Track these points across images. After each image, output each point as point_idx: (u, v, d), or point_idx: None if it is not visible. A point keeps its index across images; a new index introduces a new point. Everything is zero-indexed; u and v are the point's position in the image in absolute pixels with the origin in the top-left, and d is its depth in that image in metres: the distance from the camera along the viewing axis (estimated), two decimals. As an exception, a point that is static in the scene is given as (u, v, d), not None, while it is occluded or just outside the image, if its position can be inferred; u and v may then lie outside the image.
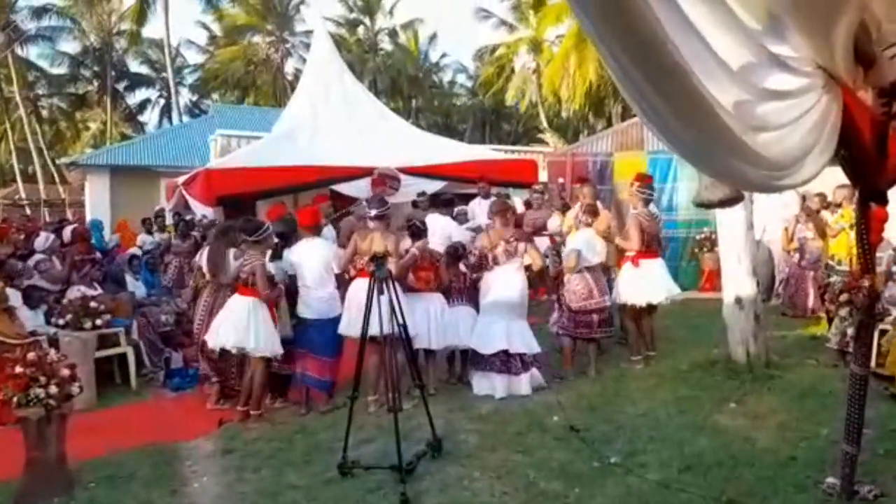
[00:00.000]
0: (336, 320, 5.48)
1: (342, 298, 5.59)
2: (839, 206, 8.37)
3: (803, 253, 8.91)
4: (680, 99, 1.40)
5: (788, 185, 2.31)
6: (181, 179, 10.29)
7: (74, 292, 6.65)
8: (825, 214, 8.69)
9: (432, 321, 5.73)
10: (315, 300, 5.47)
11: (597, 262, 6.24)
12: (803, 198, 9.34)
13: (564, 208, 8.06)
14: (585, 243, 6.19)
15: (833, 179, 4.85)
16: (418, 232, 5.92)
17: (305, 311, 5.51)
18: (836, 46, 2.09)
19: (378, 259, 4.47)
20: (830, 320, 6.81)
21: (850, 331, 5.61)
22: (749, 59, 1.66)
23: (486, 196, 9.17)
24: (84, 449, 4.49)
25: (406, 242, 5.79)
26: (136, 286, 8.14)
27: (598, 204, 7.41)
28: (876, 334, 5.03)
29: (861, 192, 3.39)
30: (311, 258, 5.48)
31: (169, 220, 10.68)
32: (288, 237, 5.86)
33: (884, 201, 3.37)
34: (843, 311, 5.98)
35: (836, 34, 2.04)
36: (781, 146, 1.86)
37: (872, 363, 4.39)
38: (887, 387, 5.27)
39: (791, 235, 9.26)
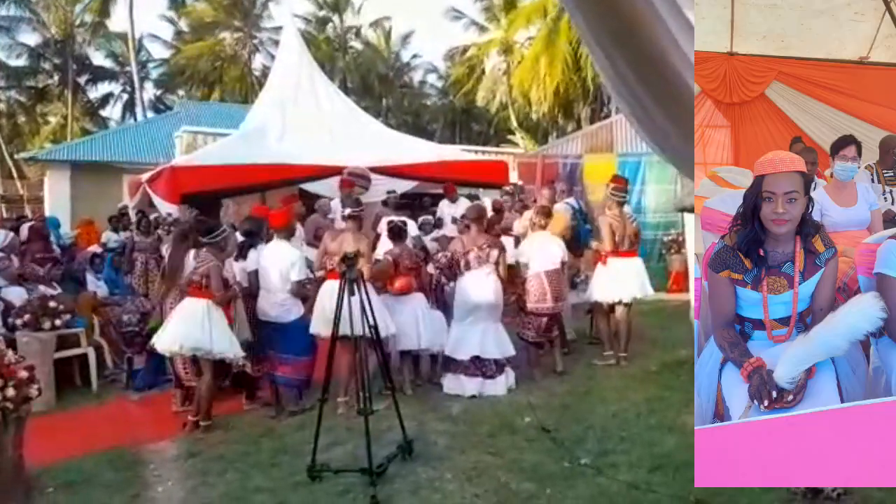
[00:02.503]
0: (296, 322, 5.36)
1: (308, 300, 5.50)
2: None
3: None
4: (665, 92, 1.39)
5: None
6: (145, 176, 10.04)
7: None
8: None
9: (420, 321, 5.74)
10: (274, 304, 5.35)
11: (554, 264, 6.14)
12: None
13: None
14: (539, 246, 6.17)
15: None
16: (399, 233, 5.87)
17: (263, 313, 5.40)
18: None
19: (349, 259, 4.41)
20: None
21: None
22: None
23: (454, 200, 9.06)
24: (43, 453, 4.35)
25: (386, 245, 5.74)
26: (97, 285, 7.92)
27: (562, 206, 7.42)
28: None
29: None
30: (275, 262, 5.35)
31: (133, 218, 10.41)
32: (254, 236, 5.75)
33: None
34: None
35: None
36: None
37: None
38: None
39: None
